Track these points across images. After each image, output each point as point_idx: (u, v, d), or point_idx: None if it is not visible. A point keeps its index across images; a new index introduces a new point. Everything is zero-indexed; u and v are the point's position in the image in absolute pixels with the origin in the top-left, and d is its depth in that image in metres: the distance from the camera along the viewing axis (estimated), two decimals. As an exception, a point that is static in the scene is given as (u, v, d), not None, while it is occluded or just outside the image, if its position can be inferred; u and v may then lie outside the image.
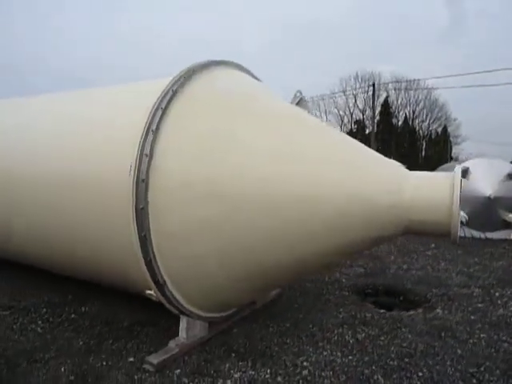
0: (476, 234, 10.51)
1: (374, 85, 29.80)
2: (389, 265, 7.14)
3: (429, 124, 46.47)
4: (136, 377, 3.04)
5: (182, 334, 3.53)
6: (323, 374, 3.17)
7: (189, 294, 3.39)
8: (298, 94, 3.80)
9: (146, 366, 3.16)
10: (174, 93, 3.22)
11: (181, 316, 3.53)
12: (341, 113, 47.11)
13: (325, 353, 3.52)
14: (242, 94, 3.42)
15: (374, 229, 3.10)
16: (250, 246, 3.12)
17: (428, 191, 2.99)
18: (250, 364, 3.29)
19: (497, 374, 3.25)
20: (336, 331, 4.01)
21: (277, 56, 77.52)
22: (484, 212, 10.10)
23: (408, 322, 4.36)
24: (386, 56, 70.80)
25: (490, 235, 10.43)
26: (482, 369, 3.34)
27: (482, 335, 4.07)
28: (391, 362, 3.40)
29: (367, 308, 4.83)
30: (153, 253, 3.10)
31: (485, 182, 10.18)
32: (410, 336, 3.98)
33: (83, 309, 4.42)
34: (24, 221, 4.11)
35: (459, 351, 3.66)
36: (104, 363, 3.25)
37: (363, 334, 3.97)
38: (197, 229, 3.08)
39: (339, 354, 3.52)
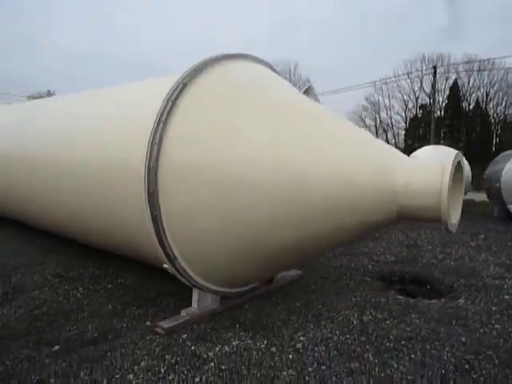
0: None
1: (435, 67, 27.86)
2: (424, 254, 6.99)
3: (505, 107, 42.52)
4: (148, 337, 3.47)
5: (194, 304, 3.92)
6: (316, 348, 3.36)
7: (198, 269, 3.74)
8: (307, 83, 3.94)
9: (158, 330, 3.59)
10: (184, 85, 3.53)
11: (193, 288, 3.91)
12: (405, 97, 44.75)
13: (324, 330, 3.70)
14: (248, 85, 3.64)
15: (364, 213, 3.20)
16: (247, 227, 3.38)
17: (420, 176, 3.02)
18: (250, 335, 3.57)
19: (494, 363, 3.22)
20: (343, 312, 4.15)
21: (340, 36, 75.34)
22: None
23: (421, 309, 4.36)
24: (456, 35, 65.84)
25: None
26: (481, 357, 3.31)
27: (496, 326, 3.97)
28: (387, 344, 3.49)
29: (384, 294, 4.87)
30: (163, 230, 3.47)
31: None
32: (417, 321, 4.01)
33: (119, 280, 4.99)
34: (63, 200, 4.77)
35: (463, 339, 3.64)
36: (124, 325, 3.73)
37: (369, 317, 4.07)
38: (199, 209, 3.41)
39: (338, 332, 3.68)
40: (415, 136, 42.98)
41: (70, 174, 4.47)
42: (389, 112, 45.74)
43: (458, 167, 3.20)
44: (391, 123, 45.89)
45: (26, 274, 5.14)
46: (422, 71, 40.81)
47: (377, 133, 46.48)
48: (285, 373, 2.97)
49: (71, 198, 4.59)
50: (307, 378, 2.92)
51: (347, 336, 3.60)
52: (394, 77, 42.53)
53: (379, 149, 3.33)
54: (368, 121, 47.07)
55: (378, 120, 46.27)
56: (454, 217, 3.24)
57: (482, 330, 3.85)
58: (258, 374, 2.95)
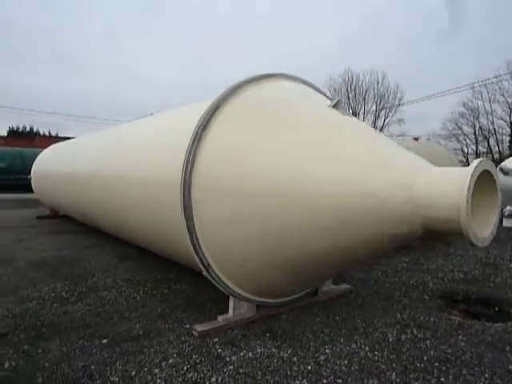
0: None
1: None
2: (500, 273, 6.31)
3: None
4: (182, 338, 3.78)
5: (230, 311, 4.14)
6: (338, 361, 3.33)
7: (232, 277, 3.96)
8: (336, 98, 3.96)
9: (193, 332, 3.88)
10: (217, 107, 3.85)
11: (230, 296, 4.14)
12: (509, 100, 40.18)
13: (353, 345, 3.63)
14: (275, 103, 3.81)
15: (385, 225, 3.12)
16: (273, 238, 3.52)
17: (441, 187, 2.87)
18: (277, 344, 3.67)
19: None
20: (381, 329, 4.01)
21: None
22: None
23: (474, 332, 4.01)
24: None
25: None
26: (525, 387, 2.96)
27: (560, 356, 3.49)
28: (418, 364, 3.31)
29: (438, 313, 4.55)
30: (197, 239, 3.78)
31: None
32: (463, 344, 3.70)
33: (175, 286, 5.44)
34: (115, 211, 5.48)
35: (510, 367, 3.28)
36: (167, 326, 4.09)
37: (409, 336, 3.87)
38: (228, 221, 3.65)
39: (367, 348, 3.58)
40: (523, 142, 38.22)
41: (129, 189, 5.11)
42: (490, 117, 41.51)
43: (487, 176, 2.98)
44: (493, 129, 41.51)
45: (101, 277, 5.88)
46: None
47: (476, 141, 42.45)
48: (298, 382, 3.02)
49: (129, 209, 5.24)
50: (318, 389, 2.93)
51: (376, 353, 3.49)
52: (495, 77, 38.52)
53: (403, 159, 3.23)
54: (466, 128, 43.25)
55: (478, 126, 42.19)
56: (484, 230, 3.00)
57: (539, 360, 3.42)
58: (272, 381, 3.04)
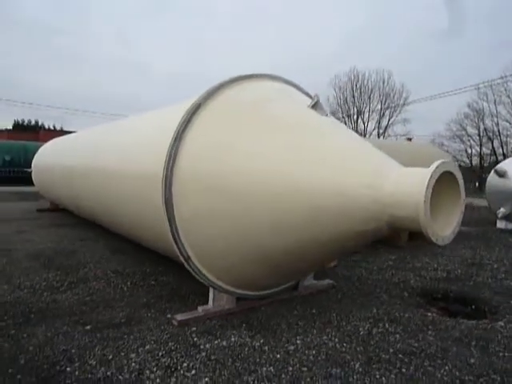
0: None
1: None
2: (483, 273, 6.43)
3: None
4: (162, 327, 3.95)
5: (210, 302, 4.30)
6: (306, 351, 3.48)
7: (212, 270, 4.13)
8: (315, 98, 4.09)
9: (173, 321, 4.04)
10: (198, 106, 4.01)
11: (210, 288, 4.30)
12: (515, 101, 39.91)
13: (324, 337, 3.78)
14: (256, 104, 3.95)
15: (354, 223, 3.26)
16: (249, 232, 3.68)
17: (405, 187, 3.00)
18: (251, 334, 3.83)
19: (494, 387, 3.00)
20: (355, 323, 4.16)
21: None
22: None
23: (443, 327, 4.15)
24: None
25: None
26: (482, 380, 3.10)
27: (523, 352, 3.62)
28: (383, 355, 3.45)
29: (414, 310, 4.69)
30: (177, 232, 3.95)
31: None
32: (431, 338, 3.85)
33: (162, 278, 5.62)
34: (106, 204, 5.68)
35: (472, 360, 3.42)
36: (149, 315, 4.26)
37: (380, 330, 4.02)
38: (206, 214, 3.81)
39: (337, 340, 3.73)
40: (527, 144, 38.05)
41: (118, 184, 5.30)
42: (495, 119, 41.31)
43: (450, 176, 3.11)
44: (498, 131, 41.33)
45: (93, 268, 6.06)
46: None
47: (481, 142, 42.28)
48: (264, 369, 3.18)
49: (118, 203, 5.43)
50: (282, 375, 3.08)
51: (344, 344, 3.64)
52: (501, 78, 38.29)
53: (373, 160, 3.36)
54: (470, 129, 43.08)
55: (482, 128, 42.02)
56: (446, 229, 3.13)
57: (501, 354, 3.56)
58: (240, 367, 3.20)
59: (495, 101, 40.56)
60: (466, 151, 44.01)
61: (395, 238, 7.82)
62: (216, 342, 3.65)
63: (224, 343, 3.63)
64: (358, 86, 50.43)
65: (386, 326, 4.12)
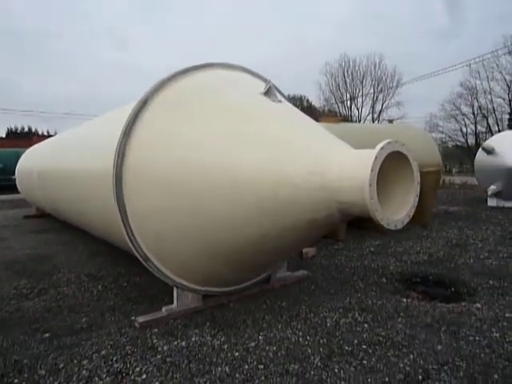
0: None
1: None
2: (465, 253, 6.29)
3: None
4: (123, 330, 3.82)
5: (174, 302, 4.17)
6: (267, 347, 3.35)
7: (172, 267, 3.98)
8: (267, 84, 3.92)
9: (135, 324, 3.92)
10: (145, 101, 3.84)
11: (173, 287, 4.16)
12: (507, 77, 39.44)
13: (288, 331, 3.65)
14: (205, 94, 3.78)
15: (303, 212, 3.11)
16: (200, 227, 3.53)
17: (350, 170, 2.84)
18: (214, 332, 3.70)
19: (456, 376, 2.86)
20: (323, 314, 4.03)
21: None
22: None
23: (415, 313, 4.01)
24: None
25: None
26: (446, 367, 2.97)
27: (494, 334, 3.49)
28: (346, 347, 3.32)
29: (390, 296, 4.56)
30: (131, 231, 3.80)
31: (511, 154, 10.66)
32: (400, 326, 3.71)
33: (135, 279, 5.48)
34: (73, 206, 5.59)
35: (439, 347, 3.28)
36: (113, 318, 4.13)
37: (349, 320, 3.88)
38: (157, 212, 3.66)
39: (301, 333, 3.59)
40: (523, 120, 37.69)
41: (81, 184, 5.18)
42: (488, 96, 40.88)
43: (400, 156, 2.95)
44: (492, 108, 40.92)
45: (67, 273, 5.93)
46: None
47: (475, 120, 41.89)
48: (219, 369, 3.05)
49: (81, 201, 5.35)
50: (237, 375, 2.95)
51: (308, 338, 3.51)
52: (491, 53, 37.71)
53: (318, 144, 3.20)
54: (464, 108, 42.66)
55: (476, 106, 41.61)
56: (399, 212, 2.98)
57: (471, 339, 3.42)
58: (195, 368, 3.07)
59: (488, 78, 40.12)
60: (461, 130, 43.61)
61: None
62: (175, 343, 3.52)
63: (183, 344, 3.50)
64: (349, 71, 49.99)
65: (356, 315, 3.99)
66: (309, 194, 3.03)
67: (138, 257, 3.91)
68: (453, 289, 4.94)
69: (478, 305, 4.25)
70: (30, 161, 10.49)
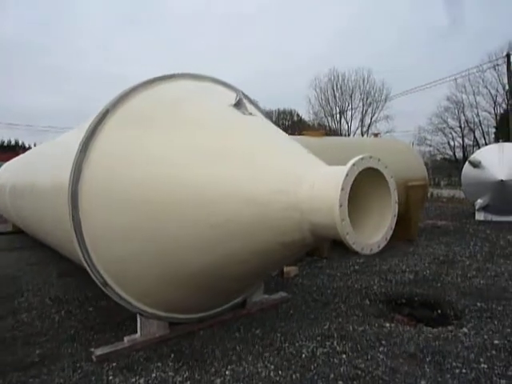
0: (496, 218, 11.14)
1: (508, 55, 24.45)
2: (453, 271, 6.05)
3: None
4: (78, 364, 3.45)
5: (138, 331, 3.82)
6: (233, 385, 3.03)
7: (135, 292, 3.64)
8: (237, 96, 3.67)
9: (93, 357, 3.56)
10: (105, 114, 3.55)
11: (137, 314, 3.82)
12: (492, 92, 40.03)
13: (259, 364, 3.32)
14: (167, 107, 3.50)
15: (272, 234, 2.82)
16: (162, 249, 3.22)
17: (321, 190, 2.57)
18: (177, 366, 3.35)
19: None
20: (299, 343, 3.71)
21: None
22: (500, 196, 10.74)
23: (399, 341, 3.72)
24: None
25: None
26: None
27: (482, 365, 3.21)
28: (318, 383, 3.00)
29: (372, 321, 4.25)
30: (88, 255, 3.47)
31: (498, 167, 10.63)
32: (381, 357, 3.41)
33: (102, 303, 5.10)
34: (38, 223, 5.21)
35: (422, 382, 2.98)
36: (70, 350, 3.76)
37: (327, 350, 3.57)
38: (115, 232, 3.34)
39: (273, 367, 3.27)
40: (508, 133, 38.12)
41: (44, 201, 4.87)
42: (475, 110, 41.40)
43: (376, 173, 2.70)
44: (479, 121, 41.41)
45: (31, 296, 5.53)
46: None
47: (462, 134, 42.33)
48: (177, 413, 2.71)
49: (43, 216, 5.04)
50: (195, 420, 2.62)
51: (279, 372, 3.19)
52: (477, 68, 38.26)
53: (289, 161, 2.93)
54: (451, 121, 43.12)
55: (463, 119, 42.08)
56: (374, 235, 2.71)
57: (457, 371, 3.13)
58: (149, 413, 2.73)
59: (474, 92, 40.68)
60: (449, 143, 44.03)
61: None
62: (133, 379, 3.17)
63: (141, 381, 3.15)
64: (338, 85, 50.39)
65: (334, 344, 3.67)
66: (277, 215, 2.75)
67: (96, 281, 3.57)
68: (439, 311, 4.66)
69: (465, 330, 3.97)
70: (3, 176, 10.09)
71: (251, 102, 4.28)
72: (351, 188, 2.52)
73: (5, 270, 7.16)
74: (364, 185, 2.75)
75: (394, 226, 2.81)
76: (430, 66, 64.34)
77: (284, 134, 3.69)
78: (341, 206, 2.39)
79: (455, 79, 37.94)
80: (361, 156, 2.53)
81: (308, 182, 2.68)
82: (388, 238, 2.77)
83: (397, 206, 2.82)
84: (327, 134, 11.25)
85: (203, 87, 3.95)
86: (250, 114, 3.61)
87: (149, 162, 3.22)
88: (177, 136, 3.24)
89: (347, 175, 2.42)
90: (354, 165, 2.47)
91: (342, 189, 2.40)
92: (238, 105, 3.61)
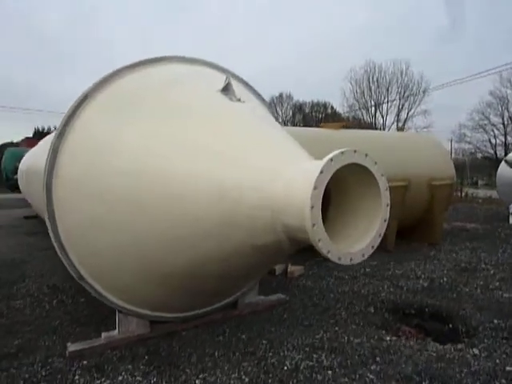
0: None
1: None
2: (473, 281, 5.50)
3: None
4: (50, 360, 3.31)
5: (116, 328, 3.64)
6: (200, 397, 2.77)
7: (113, 288, 3.46)
8: (225, 81, 3.36)
9: (67, 352, 3.41)
10: (84, 98, 3.34)
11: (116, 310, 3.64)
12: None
13: (234, 374, 3.05)
14: (150, 91, 3.26)
15: (243, 235, 2.53)
16: (135, 245, 3.00)
17: (295, 188, 2.25)
18: (148, 370, 3.14)
19: None
20: (284, 354, 3.40)
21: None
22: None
23: (396, 358, 3.33)
24: None
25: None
26: None
27: (486, 396, 2.78)
28: (295, 403, 2.70)
29: (372, 332, 3.88)
30: (63, 247, 3.31)
31: None
32: (371, 377, 3.05)
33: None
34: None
35: (412, 411, 2.61)
36: (47, 343, 3.63)
37: (312, 363, 3.25)
38: (90, 226, 3.15)
39: (247, 380, 2.99)
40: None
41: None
42: (519, 106, 38.83)
43: (365, 170, 2.33)
44: (523, 118, 38.85)
45: (31, 283, 5.53)
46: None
47: (505, 131, 39.90)
48: (131, 425, 2.49)
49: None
50: None
51: (253, 386, 2.90)
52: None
53: (271, 153, 2.61)
54: (494, 118, 40.71)
55: (507, 116, 39.60)
56: (358, 243, 2.34)
57: (456, 400, 2.73)
58: (102, 422, 2.53)
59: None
60: (490, 141, 41.62)
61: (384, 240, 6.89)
62: (98, 382, 2.99)
63: (108, 382, 2.96)
64: (374, 78, 48.66)
65: (322, 357, 3.34)
66: (249, 214, 2.45)
67: (72, 274, 3.41)
68: (450, 325, 4.21)
69: (476, 350, 3.53)
70: (27, 160, 10.30)
71: (248, 85, 3.97)
72: (340, 188, 2.19)
73: (14, 255, 7.26)
74: (358, 185, 2.41)
75: (383, 233, 2.43)
76: (474, 57, 61.02)
77: (276, 124, 3.36)
78: (312, 207, 2.05)
79: (500, 73, 35.64)
80: (341, 150, 2.17)
81: (284, 179, 2.35)
82: (375, 245, 2.40)
83: (389, 208, 2.44)
84: (361, 128, 10.72)
85: (192, 71, 3.67)
86: (239, 100, 3.30)
87: (124, 151, 2.99)
88: (155, 125, 2.99)
89: (322, 172, 2.08)
90: (331, 160, 2.11)
91: (315, 188, 2.05)
92: (226, 90, 3.31)
